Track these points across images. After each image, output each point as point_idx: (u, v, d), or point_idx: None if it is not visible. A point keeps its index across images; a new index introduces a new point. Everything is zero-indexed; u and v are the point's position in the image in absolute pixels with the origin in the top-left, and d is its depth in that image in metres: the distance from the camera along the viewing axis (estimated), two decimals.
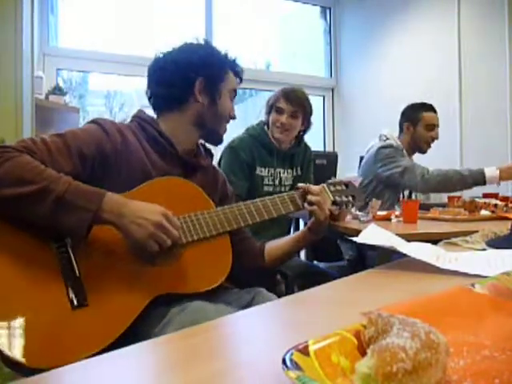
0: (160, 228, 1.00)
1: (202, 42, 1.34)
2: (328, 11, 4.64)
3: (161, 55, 1.31)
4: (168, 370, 0.47)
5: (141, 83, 3.85)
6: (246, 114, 4.97)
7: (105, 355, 0.50)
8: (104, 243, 1.03)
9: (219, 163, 2.15)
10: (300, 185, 1.35)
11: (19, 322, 0.89)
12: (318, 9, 4.67)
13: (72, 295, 0.95)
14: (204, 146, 1.42)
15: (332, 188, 1.40)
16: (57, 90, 2.76)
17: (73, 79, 3.67)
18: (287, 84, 2.33)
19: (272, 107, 2.17)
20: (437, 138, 2.71)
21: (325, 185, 1.40)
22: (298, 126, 2.17)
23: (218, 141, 1.38)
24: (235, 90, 1.37)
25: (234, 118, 1.36)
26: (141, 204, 1.02)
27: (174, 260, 1.08)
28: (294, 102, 2.12)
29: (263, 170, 2.16)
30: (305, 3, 4.56)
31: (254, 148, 2.13)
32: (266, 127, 2.20)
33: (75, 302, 0.95)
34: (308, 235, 1.38)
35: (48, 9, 3.33)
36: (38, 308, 0.92)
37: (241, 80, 1.40)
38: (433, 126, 2.68)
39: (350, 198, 1.44)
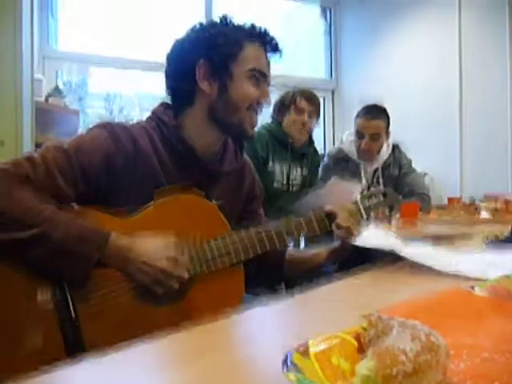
0: (166, 274, 0.93)
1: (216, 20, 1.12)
2: (328, 12, 4.63)
3: (176, 42, 1.13)
4: (167, 368, 0.47)
5: (141, 86, 3.88)
6: None
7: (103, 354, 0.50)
8: (105, 283, 0.94)
9: None
10: (328, 208, 1.13)
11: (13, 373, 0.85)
12: (318, 9, 4.67)
13: (68, 340, 0.89)
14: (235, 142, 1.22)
15: (366, 203, 1.19)
16: (56, 93, 2.76)
17: (72, 82, 3.67)
18: (287, 85, 2.35)
19: (289, 107, 2.19)
20: (365, 148, 2.30)
21: (358, 200, 1.19)
22: (314, 124, 2.26)
23: (243, 136, 1.15)
24: (260, 71, 1.09)
25: (263, 103, 1.11)
26: (147, 247, 0.94)
27: (181, 297, 0.99)
28: (313, 102, 2.19)
29: (275, 165, 2.17)
30: (305, 3, 4.57)
31: (270, 143, 2.16)
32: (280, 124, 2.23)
33: (71, 348, 0.88)
34: (332, 257, 1.21)
35: (48, 12, 3.33)
36: (32, 357, 0.85)
37: (275, 50, 1.13)
38: (361, 134, 2.30)
39: (387, 211, 1.21)
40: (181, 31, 1.13)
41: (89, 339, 0.89)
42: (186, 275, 0.95)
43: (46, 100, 2.70)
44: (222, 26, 1.10)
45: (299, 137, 2.20)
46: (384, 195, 1.23)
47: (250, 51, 1.08)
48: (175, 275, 0.94)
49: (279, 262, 1.25)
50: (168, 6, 3.82)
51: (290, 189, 2.25)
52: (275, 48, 1.14)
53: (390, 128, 2.41)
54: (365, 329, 0.40)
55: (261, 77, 1.09)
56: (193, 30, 1.12)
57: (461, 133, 3.42)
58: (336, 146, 2.58)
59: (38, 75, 2.74)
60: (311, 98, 2.18)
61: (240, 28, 1.10)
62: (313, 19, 4.73)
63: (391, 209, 1.22)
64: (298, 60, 4.64)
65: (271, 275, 1.30)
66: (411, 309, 0.48)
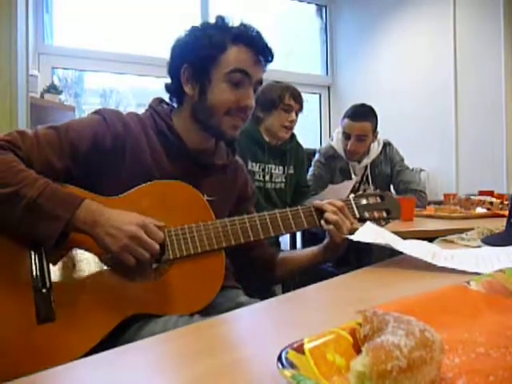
0: (135, 240, 0.90)
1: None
2: (324, 9, 4.63)
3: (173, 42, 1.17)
4: (164, 368, 0.47)
5: (136, 82, 3.86)
6: None
7: (102, 354, 0.50)
8: (82, 254, 0.96)
9: None
10: (316, 203, 1.14)
11: None
12: (313, 7, 4.66)
13: (39, 308, 0.90)
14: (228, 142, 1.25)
15: (363, 201, 1.19)
16: (52, 89, 2.74)
17: (68, 78, 3.66)
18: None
19: (277, 106, 2.13)
20: (351, 149, 2.34)
21: (351, 198, 1.19)
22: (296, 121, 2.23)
23: (223, 138, 1.17)
24: (242, 71, 1.07)
25: (243, 106, 1.09)
26: (118, 213, 0.93)
27: (157, 277, 0.98)
28: (299, 100, 2.17)
29: (254, 165, 2.16)
30: (301, 1, 4.56)
31: (244, 143, 2.13)
32: (255, 123, 2.19)
33: (41, 316, 0.89)
34: (325, 254, 1.18)
35: (43, 7, 3.31)
36: (2, 320, 0.87)
37: (259, 52, 1.10)
38: (347, 135, 2.33)
39: (384, 214, 1.21)
40: (176, 27, 1.15)
41: (61, 310, 0.91)
42: (157, 246, 0.92)
43: (42, 96, 2.69)
44: (210, 28, 1.11)
45: (285, 135, 2.17)
46: (381, 198, 1.22)
47: (234, 52, 1.08)
48: (144, 242, 0.91)
49: (271, 264, 1.25)
50: (164, 1, 3.81)
51: (273, 186, 2.22)
52: (264, 50, 1.11)
53: (388, 124, 2.41)
54: (360, 324, 0.40)
55: (244, 77, 1.08)
56: (185, 31, 1.13)
57: (456, 129, 3.43)
58: (327, 143, 2.57)
59: (33, 71, 2.72)
60: (298, 96, 2.17)
61: (227, 29, 1.10)
62: (308, 17, 4.73)
63: (388, 212, 1.21)
64: (295, 57, 4.64)
65: (263, 277, 1.30)
66: (406, 304, 0.48)
